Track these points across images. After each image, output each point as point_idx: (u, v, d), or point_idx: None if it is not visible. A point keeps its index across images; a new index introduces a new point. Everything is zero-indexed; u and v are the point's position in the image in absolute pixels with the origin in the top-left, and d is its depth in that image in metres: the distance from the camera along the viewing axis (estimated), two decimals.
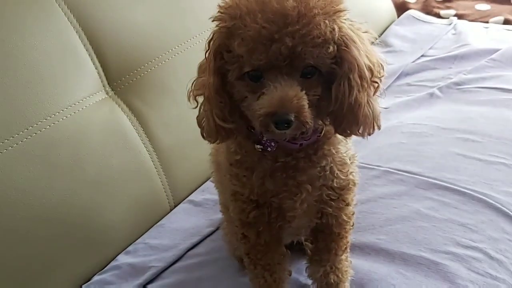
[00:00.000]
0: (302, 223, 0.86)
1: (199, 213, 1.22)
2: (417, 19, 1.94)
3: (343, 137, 0.81)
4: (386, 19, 1.96)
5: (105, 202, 1.12)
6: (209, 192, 1.26)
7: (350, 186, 0.84)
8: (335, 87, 0.70)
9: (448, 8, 2.02)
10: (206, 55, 0.74)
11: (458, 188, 1.12)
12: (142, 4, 1.26)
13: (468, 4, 2.01)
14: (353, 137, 0.79)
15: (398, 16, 1.99)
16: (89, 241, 1.10)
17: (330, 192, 0.82)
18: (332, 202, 0.83)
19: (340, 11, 0.69)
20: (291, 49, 0.66)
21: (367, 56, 0.71)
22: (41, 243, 1.02)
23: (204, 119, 0.76)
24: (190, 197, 1.27)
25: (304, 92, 0.68)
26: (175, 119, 1.27)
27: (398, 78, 1.61)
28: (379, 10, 1.96)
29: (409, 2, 2.08)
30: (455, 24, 1.85)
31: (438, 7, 2.02)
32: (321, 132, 0.78)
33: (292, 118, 0.67)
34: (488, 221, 1.05)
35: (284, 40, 0.65)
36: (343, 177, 0.82)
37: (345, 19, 0.70)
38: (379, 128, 0.74)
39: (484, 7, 1.98)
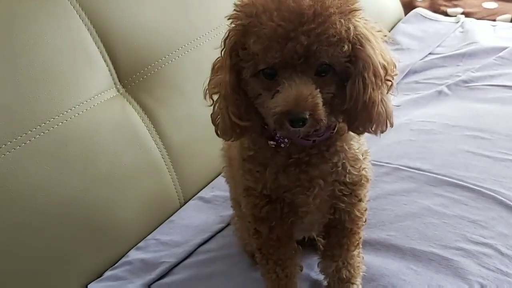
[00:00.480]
0: (315, 219, 0.87)
1: (209, 210, 1.23)
2: (425, 17, 1.94)
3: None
4: (393, 17, 1.97)
5: (116, 198, 1.13)
6: (218, 189, 1.27)
7: (362, 181, 0.84)
8: (350, 85, 0.70)
9: (456, 6, 2.02)
10: (222, 53, 0.74)
11: (468, 185, 1.13)
12: (152, 2, 1.26)
13: (475, 2, 2.01)
14: (365, 134, 0.80)
15: (406, 14, 2.00)
16: (100, 237, 1.11)
17: (342, 188, 0.82)
18: (345, 198, 0.84)
19: (356, 10, 0.70)
20: (306, 47, 0.66)
21: (381, 55, 0.72)
22: (54, 239, 1.03)
23: (219, 116, 0.77)
24: (199, 194, 1.28)
25: (318, 90, 0.69)
26: (185, 116, 1.27)
27: (406, 75, 1.61)
28: (386, 8, 1.96)
29: (416, 0, 2.08)
30: (462, 22, 1.85)
31: (446, 5, 2.02)
32: (334, 129, 0.78)
33: (307, 116, 0.67)
34: (498, 217, 1.06)
35: (299, 39, 0.66)
36: (356, 173, 0.82)
37: (360, 18, 0.70)
38: (391, 125, 0.75)
39: (491, 5, 1.98)
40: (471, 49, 1.66)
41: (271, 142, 0.77)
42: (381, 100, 0.72)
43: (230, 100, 0.74)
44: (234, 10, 0.72)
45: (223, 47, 0.74)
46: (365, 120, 0.72)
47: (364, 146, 0.85)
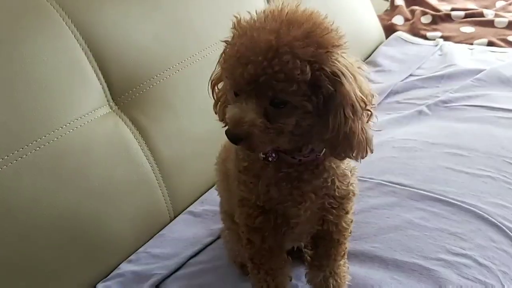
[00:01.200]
0: (304, 229, 0.91)
1: (199, 224, 1.26)
2: (405, 40, 2.02)
3: None
4: (375, 40, 2.04)
5: (108, 212, 1.16)
6: (208, 204, 1.30)
7: (350, 195, 0.89)
8: (331, 119, 0.72)
9: (435, 30, 2.10)
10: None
11: (448, 199, 1.18)
12: (145, 23, 1.31)
13: (453, 27, 2.10)
14: None
15: (387, 38, 2.07)
16: (93, 250, 1.13)
17: (331, 201, 0.87)
18: (333, 210, 0.88)
19: (333, 49, 0.72)
20: (253, 76, 0.70)
21: (360, 88, 0.74)
22: (47, 251, 1.06)
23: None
24: (189, 208, 1.31)
25: (264, 116, 0.72)
26: (175, 132, 1.31)
27: (387, 96, 1.67)
28: (368, 32, 2.03)
29: (397, 24, 2.16)
30: (441, 46, 1.93)
31: (425, 29, 2.11)
32: (320, 152, 0.82)
33: (240, 138, 0.72)
34: (477, 230, 1.11)
35: (247, 68, 0.69)
36: (344, 188, 0.87)
37: (338, 55, 0.72)
38: (371, 151, 0.78)
39: (469, 29, 2.06)
40: (449, 71, 1.73)
41: (261, 155, 0.81)
42: (361, 130, 0.75)
43: (216, 92, 0.84)
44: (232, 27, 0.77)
45: None
46: (346, 147, 0.75)
47: (352, 163, 0.90)
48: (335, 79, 0.71)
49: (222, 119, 0.84)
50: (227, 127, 0.74)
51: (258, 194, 0.84)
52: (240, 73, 0.70)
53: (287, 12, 0.72)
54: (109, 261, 1.17)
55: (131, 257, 1.19)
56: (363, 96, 0.74)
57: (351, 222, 0.93)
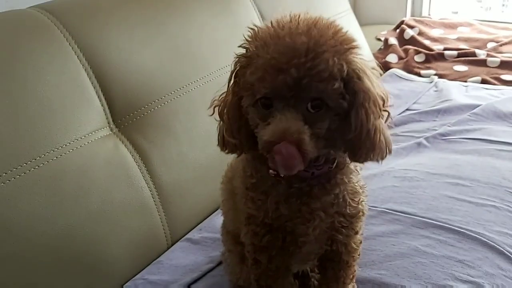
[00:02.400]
0: (312, 249, 0.88)
1: (197, 251, 1.22)
2: (400, 77, 2.05)
3: (354, 167, 0.85)
4: None
5: (106, 234, 1.12)
6: (206, 231, 1.27)
7: (359, 214, 0.87)
8: (354, 116, 0.73)
9: (428, 68, 2.14)
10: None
11: (453, 227, 1.16)
12: (147, 49, 1.31)
13: (447, 65, 2.14)
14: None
15: (381, 75, 2.09)
16: (88, 274, 1.09)
17: (342, 219, 0.85)
18: (343, 230, 0.86)
19: (352, 48, 0.74)
20: (296, 80, 0.69)
21: (378, 87, 0.76)
22: (42, 272, 1.01)
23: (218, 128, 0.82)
24: (187, 235, 1.28)
25: (307, 126, 0.71)
26: (175, 157, 1.29)
27: None
28: None
29: (391, 62, 2.20)
30: (436, 82, 1.96)
31: (419, 67, 2.14)
32: (333, 163, 0.81)
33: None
34: (484, 258, 1.09)
35: (290, 71, 0.69)
36: (355, 205, 0.85)
37: (357, 55, 0.74)
38: (390, 152, 0.78)
39: (462, 68, 2.10)
40: (446, 106, 1.75)
41: (271, 171, 0.79)
42: (381, 128, 0.76)
43: (224, 118, 0.79)
44: (244, 42, 0.76)
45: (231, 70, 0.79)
46: (368, 148, 0.75)
47: (361, 181, 0.89)
48: (358, 75, 0.72)
49: (233, 148, 0.81)
50: (266, 146, 0.71)
51: (266, 211, 0.82)
52: (283, 80, 0.69)
53: (310, 17, 0.73)
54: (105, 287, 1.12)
55: (128, 283, 1.14)
56: (382, 94, 0.75)
57: (360, 243, 0.91)
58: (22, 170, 1.01)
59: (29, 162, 1.03)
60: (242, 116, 0.78)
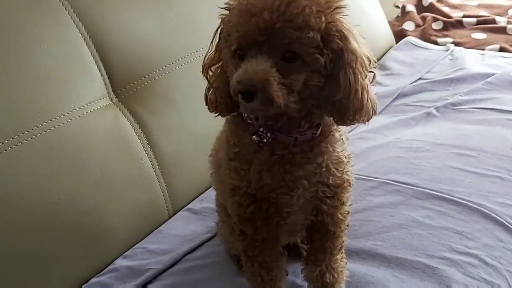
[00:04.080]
0: (297, 220, 0.88)
1: (197, 221, 1.23)
2: (415, 45, 1.99)
3: (340, 136, 0.84)
4: (385, 45, 2.01)
5: (105, 204, 1.13)
6: (207, 201, 1.27)
7: (345, 185, 0.86)
8: (342, 76, 0.73)
9: (445, 36, 2.07)
10: None
11: (454, 198, 1.14)
12: (148, 17, 1.30)
13: (465, 33, 2.07)
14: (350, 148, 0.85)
15: (397, 43, 2.04)
16: (88, 243, 1.11)
17: (325, 189, 0.84)
18: (328, 200, 0.85)
19: (339, 7, 0.73)
20: (268, 24, 0.69)
21: (363, 47, 0.75)
22: (42, 241, 1.03)
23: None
24: (188, 206, 1.28)
25: (276, 71, 0.70)
26: (176, 128, 1.29)
27: (396, 98, 1.64)
28: (378, 37, 2.01)
29: (407, 30, 2.14)
30: (452, 50, 1.90)
31: (436, 35, 2.08)
32: (317, 130, 0.80)
33: (255, 90, 0.69)
34: (484, 229, 1.07)
35: (262, 14, 0.69)
36: (339, 175, 0.84)
37: (342, 15, 0.74)
38: (376, 113, 0.78)
39: (481, 36, 2.03)
40: (459, 75, 1.70)
41: (254, 137, 0.79)
42: (368, 89, 0.75)
43: (208, 76, 0.81)
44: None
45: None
46: (356, 108, 0.75)
47: (348, 151, 0.87)
48: (343, 35, 0.71)
49: (214, 106, 0.82)
50: (234, 87, 0.72)
51: (249, 181, 0.82)
52: (254, 23, 0.69)
53: None
54: (104, 256, 1.14)
55: (127, 252, 1.16)
56: (368, 55, 0.74)
57: (348, 213, 0.90)
58: (19, 140, 1.03)
59: (26, 132, 1.04)
60: (225, 74, 0.78)
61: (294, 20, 0.69)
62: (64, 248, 1.07)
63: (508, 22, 2.05)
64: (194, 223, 1.23)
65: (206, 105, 0.83)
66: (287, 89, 0.71)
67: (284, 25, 0.69)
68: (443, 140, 1.36)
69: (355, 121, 0.77)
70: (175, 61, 1.32)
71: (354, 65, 0.72)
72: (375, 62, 0.77)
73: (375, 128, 1.48)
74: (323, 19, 0.70)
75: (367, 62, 0.74)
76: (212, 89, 0.81)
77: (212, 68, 0.82)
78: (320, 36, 0.71)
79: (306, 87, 0.73)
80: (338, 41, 0.71)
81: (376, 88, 1.66)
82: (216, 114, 0.84)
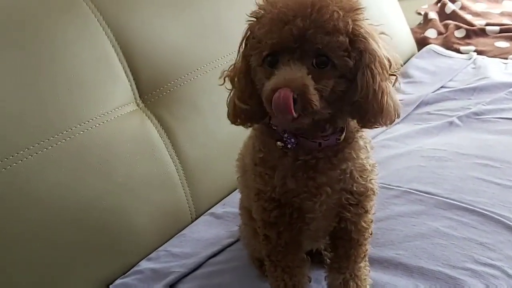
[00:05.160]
0: (320, 226, 0.89)
1: (219, 225, 1.25)
2: (437, 53, 1.98)
3: (364, 144, 0.85)
4: (407, 53, 2.01)
5: (130, 206, 1.16)
6: (229, 206, 1.29)
7: (369, 193, 0.87)
8: (360, 76, 0.74)
9: (468, 44, 2.06)
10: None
11: (477, 209, 1.14)
12: (175, 24, 1.32)
13: (487, 41, 2.06)
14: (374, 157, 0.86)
15: (419, 51, 2.04)
16: (113, 245, 1.13)
17: (349, 197, 0.85)
18: (351, 208, 0.86)
19: (358, 8, 0.75)
20: (301, 30, 0.71)
21: (384, 49, 0.76)
22: (69, 242, 1.06)
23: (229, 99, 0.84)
24: (211, 210, 1.30)
25: (310, 77, 0.72)
26: (201, 133, 1.31)
27: (418, 107, 1.64)
28: (400, 44, 2.00)
29: (429, 38, 2.13)
30: (474, 59, 1.89)
31: (458, 43, 2.07)
32: (340, 135, 0.81)
33: (295, 96, 0.70)
34: (506, 241, 1.07)
35: (295, 22, 0.71)
36: (363, 183, 0.85)
37: (362, 17, 0.75)
38: (399, 116, 0.78)
39: (504, 44, 2.02)
40: (482, 84, 1.69)
41: (279, 143, 0.81)
42: (389, 91, 0.76)
43: (236, 85, 0.81)
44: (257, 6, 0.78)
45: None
46: (375, 110, 0.75)
47: (372, 160, 0.88)
48: (363, 36, 0.73)
49: (240, 116, 0.82)
50: (269, 93, 0.72)
51: (274, 186, 0.83)
52: (288, 30, 0.71)
53: None
54: (129, 258, 1.16)
55: (151, 255, 1.18)
56: (388, 56, 0.75)
57: (371, 222, 0.91)
58: (49, 144, 1.06)
59: (56, 136, 1.07)
60: (253, 82, 0.79)
61: (325, 25, 0.71)
62: (90, 246, 1.10)
63: None
64: (216, 227, 1.25)
65: (232, 116, 0.83)
66: (319, 95, 0.72)
67: (315, 31, 0.71)
68: (466, 150, 1.36)
69: (378, 124, 0.78)
70: (201, 68, 1.34)
71: (372, 66, 0.73)
72: (401, 65, 0.78)
73: (396, 136, 1.49)
74: (350, 22, 0.72)
75: (387, 64, 0.75)
76: (242, 97, 0.81)
77: (236, 78, 0.82)
78: (348, 39, 0.72)
79: (334, 92, 0.74)
80: (363, 41, 0.73)
81: (398, 96, 1.67)
82: (237, 124, 0.84)
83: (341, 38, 0.72)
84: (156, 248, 1.20)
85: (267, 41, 0.74)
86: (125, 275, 1.14)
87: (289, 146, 0.80)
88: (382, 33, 0.79)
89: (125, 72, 1.22)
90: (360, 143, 0.84)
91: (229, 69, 0.84)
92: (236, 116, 0.82)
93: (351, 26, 0.72)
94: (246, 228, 1.03)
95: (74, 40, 1.15)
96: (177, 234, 1.25)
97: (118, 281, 1.12)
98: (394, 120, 0.78)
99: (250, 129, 0.90)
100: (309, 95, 0.71)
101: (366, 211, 0.88)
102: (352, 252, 0.91)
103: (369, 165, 0.86)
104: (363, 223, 0.89)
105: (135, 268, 1.15)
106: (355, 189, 0.84)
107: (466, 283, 0.98)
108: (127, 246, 1.16)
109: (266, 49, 0.74)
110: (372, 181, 0.87)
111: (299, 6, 0.72)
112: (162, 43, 1.28)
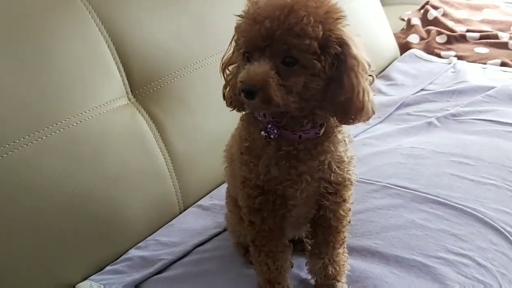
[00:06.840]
0: (301, 212, 0.95)
1: (207, 217, 1.30)
2: (419, 57, 2.06)
3: (342, 138, 0.91)
4: (389, 57, 2.08)
5: (121, 198, 1.20)
6: (216, 198, 1.34)
7: (346, 183, 0.93)
8: (346, 79, 0.80)
9: (449, 49, 2.14)
10: None
11: (451, 203, 1.21)
12: (166, 22, 1.37)
13: (467, 47, 2.13)
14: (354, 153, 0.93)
15: (401, 55, 2.11)
16: (104, 232, 1.17)
17: (327, 186, 0.91)
18: (329, 196, 0.92)
19: (339, 18, 0.81)
20: (269, 31, 0.77)
21: (363, 53, 0.83)
22: (63, 228, 1.10)
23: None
24: (199, 202, 1.35)
25: (276, 73, 0.78)
26: (190, 128, 1.36)
27: (398, 108, 1.71)
28: (383, 48, 2.07)
29: (412, 43, 2.20)
30: (454, 64, 1.96)
31: (439, 48, 2.14)
32: (320, 130, 0.88)
33: (256, 90, 0.77)
34: (477, 232, 1.13)
35: (264, 23, 0.77)
36: (340, 173, 0.91)
37: (343, 25, 0.81)
38: (374, 113, 0.85)
39: (483, 50, 2.09)
40: (461, 87, 1.76)
41: (263, 133, 0.87)
42: (368, 91, 0.83)
43: (224, 74, 0.89)
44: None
45: None
46: (358, 108, 0.82)
47: (350, 152, 0.94)
48: (344, 42, 0.79)
49: (229, 102, 0.90)
50: (239, 86, 0.80)
51: (258, 173, 0.89)
52: (257, 29, 0.77)
53: None
54: (119, 246, 1.21)
55: (140, 244, 1.23)
56: (367, 59, 0.82)
57: (349, 210, 0.96)
58: (44, 134, 1.10)
59: (50, 127, 1.11)
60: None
61: (293, 28, 0.76)
62: (82, 234, 1.14)
63: (510, 38, 2.11)
64: (204, 218, 1.30)
65: (226, 102, 0.91)
66: (286, 90, 0.79)
67: (283, 33, 0.76)
68: (443, 148, 1.43)
69: (356, 121, 0.84)
70: (192, 64, 1.39)
71: (356, 69, 0.80)
72: (374, 69, 0.85)
73: (378, 135, 1.55)
74: (320, 28, 0.77)
75: (367, 66, 0.82)
76: (228, 87, 0.90)
77: (229, 68, 0.90)
78: (318, 43, 0.78)
79: (307, 89, 0.80)
80: (337, 47, 0.79)
81: (380, 97, 1.74)
82: (232, 109, 0.92)
83: (308, 42, 0.77)
84: (145, 238, 1.25)
85: (242, 39, 0.81)
86: (115, 262, 1.18)
87: (271, 136, 0.86)
88: (358, 35, 0.84)
89: (117, 68, 1.26)
90: (339, 137, 0.90)
91: (223, 59, 0.92)
92: (227, 102, 0.91)
93: (321, 32, 0.77)
94: (231, 215, 1.08)
95: (69, 37, 1.19)
96: (165, 224, 1.29)
97: (108, 267, 1.17)
98: (370, 117, 0.85)
99: (236, 123, 0.96)
100: (269, 89, 0.78)
101: (344, 200, 0.94)
102: (331, 239, 0.96)
103: (347, 157, 0.91)
104: (341, 211, 0.94)
105: (125, 256, 1.19)
106: (333, 179, 0.90)
107: (438, 270, 1.04)
108: (118, 234, 1.20)
109: (242, 47, 0.82)
110: (350, 172, 0.93)
111: (272, 8, 0.77)
112: (154, 40, 1.33)
